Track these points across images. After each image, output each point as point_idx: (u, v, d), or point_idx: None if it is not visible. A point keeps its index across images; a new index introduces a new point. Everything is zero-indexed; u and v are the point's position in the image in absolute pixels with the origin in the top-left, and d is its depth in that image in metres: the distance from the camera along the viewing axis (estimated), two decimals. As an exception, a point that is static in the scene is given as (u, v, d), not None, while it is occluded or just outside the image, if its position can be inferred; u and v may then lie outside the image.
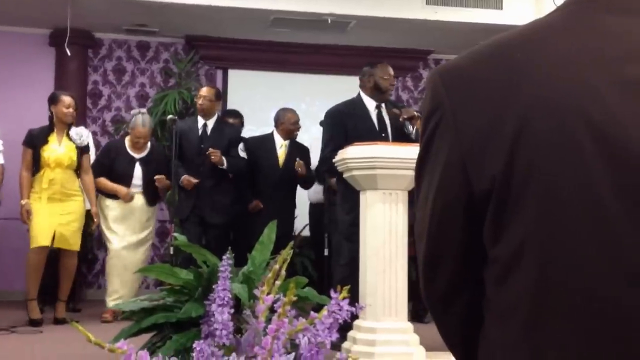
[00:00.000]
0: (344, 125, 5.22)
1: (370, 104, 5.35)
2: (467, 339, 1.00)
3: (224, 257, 2.54)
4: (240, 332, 2.50)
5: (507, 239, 0.89)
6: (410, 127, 5.27)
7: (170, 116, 6.50)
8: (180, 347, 2.83)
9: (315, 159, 6.00)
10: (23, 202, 5.89)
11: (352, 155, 4.26)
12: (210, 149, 6.11)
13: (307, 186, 6.75)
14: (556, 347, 0.85)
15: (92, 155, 6.47)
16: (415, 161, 1.03)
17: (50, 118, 6.06)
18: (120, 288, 6.26)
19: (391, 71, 5.42)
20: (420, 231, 1.01)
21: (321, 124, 5.79)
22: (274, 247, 3.24)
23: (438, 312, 1.04)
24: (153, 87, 8.37)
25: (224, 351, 2.24)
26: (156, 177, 6.29)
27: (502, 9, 7.55)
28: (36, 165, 5.94)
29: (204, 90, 6.45)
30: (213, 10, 7.25)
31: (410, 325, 4.23)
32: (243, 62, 8.49)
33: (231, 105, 8.10)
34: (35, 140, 5.94)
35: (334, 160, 4.60)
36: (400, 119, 5.28)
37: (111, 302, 6.08)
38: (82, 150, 6.08)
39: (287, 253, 2.44)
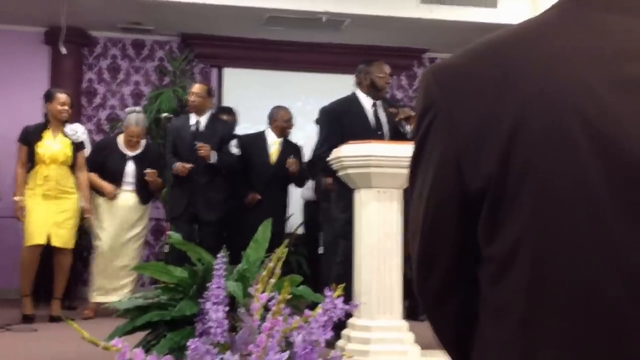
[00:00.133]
0: (340, 123, 5.20)
1: (366, 101, 5.34)
2: (461, 338, 1.00)
3: (218, 255, 2.54)
4: (234, 330, 2.50)
5: (502, 237, 0.89)
6: (407, 127, 5.26)
7: (165, 114, 6.49)
8: (175, 345, 2.82)
9: (308, 156, 6.01)
10: (17, 198, 5.87)
11: (347, 153, 4.25)
12: (199, 144, 6.09)
13: (300, 184, 6.76)
14: (552, 345, 0.85)
15: (88, 152, 6.47)
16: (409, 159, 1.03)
17: (46, 115, 6.05)
18: (103, 285, 6.28)
19: (387, 69, 5.41)
20: (414, 230, 1.00)
21: (316, 121, 5.78)
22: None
23: (432, 311, 1.04)
24: (148, 85, 8.37)
25: (218, 349, 2.24)
26: (147, 170, 6.27)
27: (496, 7, 7.55)
28: (31, 161, 5.92)
29: (196, 87, 6.43)
30: (208, 9, 7.24)
31: (405, 323, 4.23)
32: (238, 60, 8.49)
33: (226, 103, 8.10)
34: (31, 137, 5.92)
35: (328, 159, 4.59)
36: (396, 119, 5.27)
37: (95, 298, 6.21)
38: (77, 146, 6.07)
39: (282, 251, 2.44)
